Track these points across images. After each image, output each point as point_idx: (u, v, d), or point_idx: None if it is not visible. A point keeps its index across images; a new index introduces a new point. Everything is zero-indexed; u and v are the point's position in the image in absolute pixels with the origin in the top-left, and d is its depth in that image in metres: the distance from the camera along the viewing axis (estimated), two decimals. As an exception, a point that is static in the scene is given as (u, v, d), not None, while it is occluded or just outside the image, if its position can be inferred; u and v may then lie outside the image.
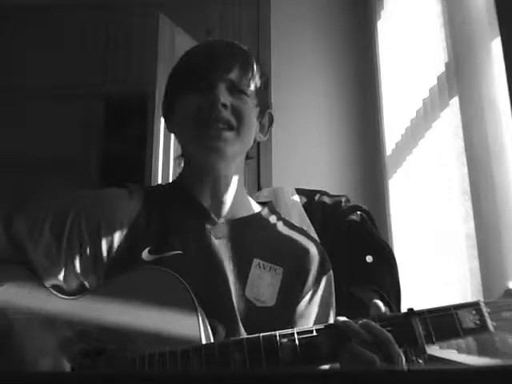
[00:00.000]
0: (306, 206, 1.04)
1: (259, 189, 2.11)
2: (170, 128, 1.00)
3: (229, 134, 0.88)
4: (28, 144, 2.45)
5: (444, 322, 0.69)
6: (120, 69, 2.51)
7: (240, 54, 0.95)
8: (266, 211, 0.98)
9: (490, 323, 0.69)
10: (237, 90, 0.90)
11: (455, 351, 1.36)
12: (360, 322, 0.69)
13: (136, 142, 2.37)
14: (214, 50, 0.95)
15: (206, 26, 2.44)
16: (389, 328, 0.69)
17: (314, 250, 0.94)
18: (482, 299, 0.72)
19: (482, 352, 1.23)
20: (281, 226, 0.97)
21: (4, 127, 2.44)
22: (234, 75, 0.90)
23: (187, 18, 2.41)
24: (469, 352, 1.29)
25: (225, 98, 0.88)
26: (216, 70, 0.89)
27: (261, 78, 0.96)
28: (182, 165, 0.99)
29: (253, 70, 0.94)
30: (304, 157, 2.35)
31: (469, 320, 0.69)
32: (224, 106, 0.87)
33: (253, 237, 0.92)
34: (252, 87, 0.92)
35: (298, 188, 1.10)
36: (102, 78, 2.53)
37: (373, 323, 0.68)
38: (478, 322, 0.69)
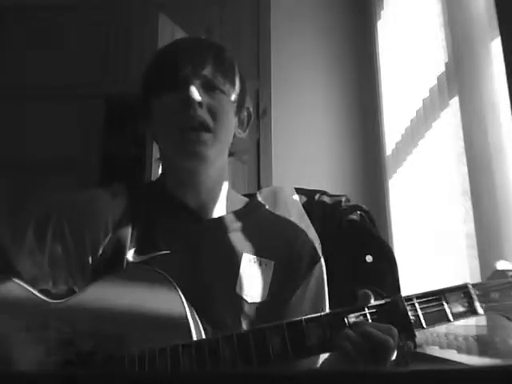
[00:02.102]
0: (305, 206, 1.04)
1: (259, 189, 2.10)
2: (149, 130, 0.97)
3: (207, 137, 0.85)
4: (28, 144, 2.45)
5: (433, 306, 0.69)
6: (120, 69, 2.51)
7: (212, 48, 0.92)
8: (255, 201, 0.97)
9: (478, 305, 0.69)
10: (212, 87, 0.87)
11: (455, 351, 1.36)
12: (359, 328, 0.68)
13: (136, 141, 2.37)
14: (184, 47, 0.93)
15: (206, 26, 2.44)
16: (375, 317, 0.68)
17: (303, 240, 0.93)
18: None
19: (482, 352, 1.23)
20: (271, 217, 0.96)
21: (4, 127, 2.44)
22: (207, 71, 0.87)
23: (187, 17, 2.41)
24: (469, 352, 1.29)
25: (200, 96, 0.85)
26: (188, 66, 0.86)
27: (236, 72, 0.93)
28: (161, 164, 0.97)
29: (227, 65, 0.91)
30: (304, 157, 2.34)
31: (458, 303, 0.69)
32: (199, 104, 0.84)
33: (242, 231, 0.91)
34: (228, 83, 0.89)
35: (298, 188, 1.10)
36: (101, 77, 2.53)
37: (371, 330, 0.67)
38: (466, 304, 0.69)
